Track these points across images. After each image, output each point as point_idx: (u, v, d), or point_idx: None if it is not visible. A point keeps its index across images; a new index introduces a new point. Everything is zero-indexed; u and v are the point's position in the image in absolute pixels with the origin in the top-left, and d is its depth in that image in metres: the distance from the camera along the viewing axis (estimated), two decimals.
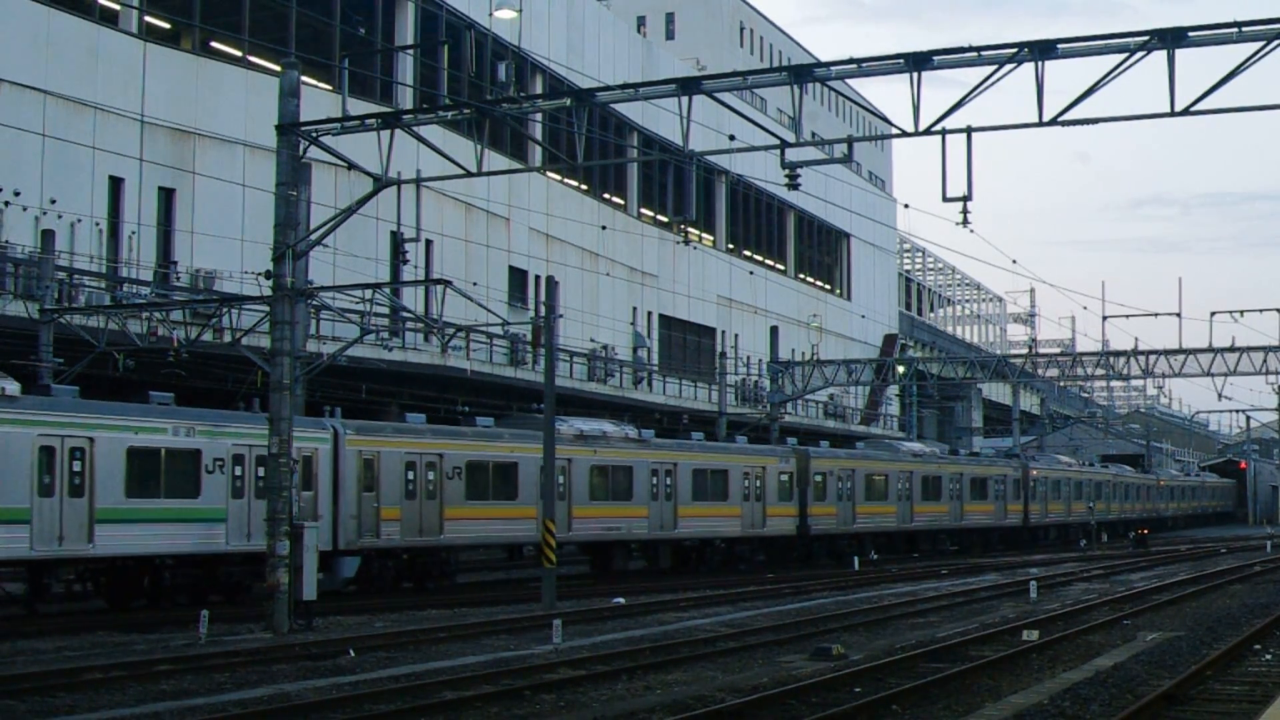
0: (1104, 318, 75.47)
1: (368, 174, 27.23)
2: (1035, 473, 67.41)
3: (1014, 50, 22.88)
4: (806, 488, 48.80)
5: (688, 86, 25.07)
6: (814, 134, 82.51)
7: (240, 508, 30.05)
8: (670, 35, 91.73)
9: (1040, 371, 69.67)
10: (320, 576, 27.97)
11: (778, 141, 25.68)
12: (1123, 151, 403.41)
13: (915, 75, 23.40)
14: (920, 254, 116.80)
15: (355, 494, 32.79)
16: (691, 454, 44.24)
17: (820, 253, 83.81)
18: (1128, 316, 64.37)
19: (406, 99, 46.51)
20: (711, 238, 70.45)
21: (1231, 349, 58.02)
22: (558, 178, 57.75)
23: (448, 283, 31.48)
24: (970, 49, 23.31)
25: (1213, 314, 55.64)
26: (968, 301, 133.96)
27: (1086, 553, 61.11)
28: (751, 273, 72.82)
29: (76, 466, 27.25)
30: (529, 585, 36.46)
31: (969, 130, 23.79)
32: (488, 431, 37.39)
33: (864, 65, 24.56)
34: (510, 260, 53.88)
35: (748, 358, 69.75)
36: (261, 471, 29.01)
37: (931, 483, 57.05)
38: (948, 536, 59.76)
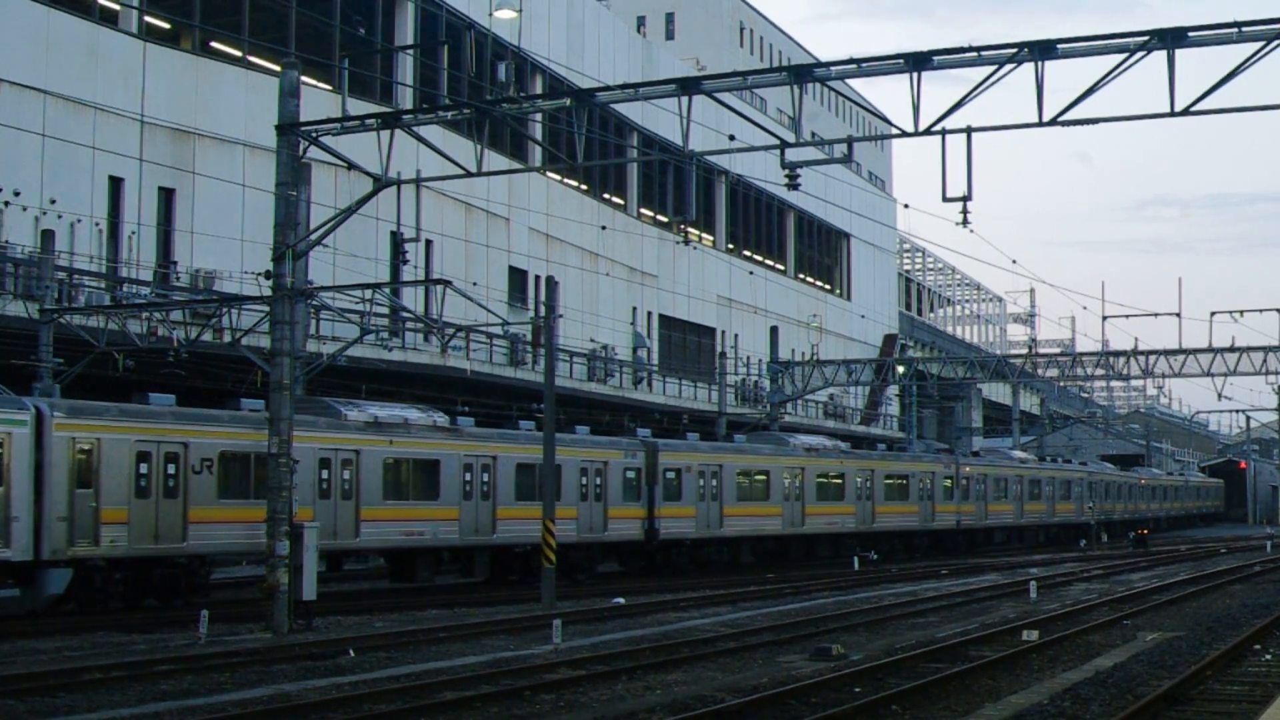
0: (1104, 318, 75.56)
1: (368, 174, 27.23)
2: (968, 470, 60.89)
3: (1014, 50, 22.88)
4: (655, 486, 42.13)
5: (688, 86, 25.07)
6: (814, 134, 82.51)
7: None
8: (670, 35, 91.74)
9: (1040, 372, 69.64)
10: (16, 593, 26.09)
11: (778, 141, 25.67)
12: (1124, 152, 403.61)
13: (915, 75, 23.40)
14: (920, 254, 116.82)
15: (66, 491, 27.32)
16: (515, 446, 37.79)
17: (820, 253, 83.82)
18: (1128, 317, 64.34)
19: (406, 99, 46.51)
20: (711, 238, 70.45)
21: (1231, 349, 58.02)
22: (558, 178, 57.75)
23: (448, 283, 31.47)
24: (970, 49, 23.31)
25: (1213, 314, 55.67)
26: (968, 301, 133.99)
27: (1086, 553, 61.11)
28: (751, 273, 72.83)
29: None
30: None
31: (969, 130, 23.78)
32: (248, 416, 31.09)
33: (864, 65, 24.56)
34: (510, 260, 53.89)
35: (748, 358, 69.76)
36: None
37: (832, 481, 50.49)
38: (857, 541, 52.85)
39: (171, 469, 29.28)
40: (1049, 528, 71.49)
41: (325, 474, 32.44)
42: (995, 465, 64.30)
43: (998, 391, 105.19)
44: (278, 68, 28.57)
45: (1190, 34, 22.23)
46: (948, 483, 58.59)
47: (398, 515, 34.37)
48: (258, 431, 29.65)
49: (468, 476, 36.13)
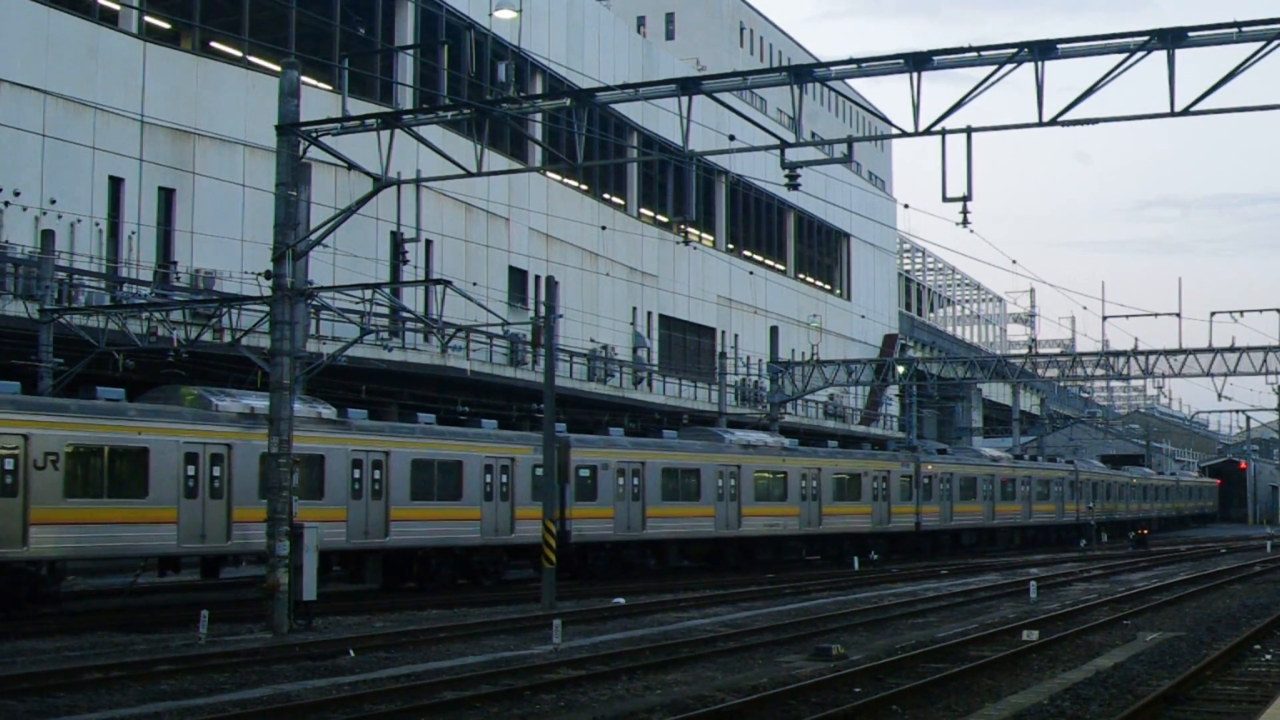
0: (1104, 318, 75.53)
1: (368, 174, 27.23)
2: (931, 468, 57.10)
3: (1014, 50, 22.88)
4: (566, 484, 39.13)
5: (688, 86, 25.07)
6: (814, 134, 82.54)
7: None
8: (670, 35, 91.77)
9: (1040, 372, 69.64)
10: None
11: (778, 141, 25.67)
12: (1124, 152, 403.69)
13: (915, 75, 23.40)
14: (920, 254, 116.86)
15: None
16: (410, 440, 35.17)
17: (820, 253, 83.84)
18: (1128, 317, 64.29)
19: (406, 99, 46.51)
20: (711, 238, 70.46)
21: (1231, 349, 58.03)
22: (558, 178, 57.76)
23: (448, 283, 31.45)
24: (970, 49, 23.30)
25: (1212, 314, 55.65)
26: (968, 301, 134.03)
27: (1086, 553, 61.11)
28: (751, 273, 72.84)
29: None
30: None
31: (969, 130, 23.77)
32: (101, 406, 28.71)
33: (864, 65, 24.55)
34: (510, 260, 53.89)
35: (748, 358, 69.75)
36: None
37: (773, 479, 47.29)
38: (802, 544, 50.58)
39: (10, 464, 26.30)
40: (1025, 530, 67.84)
41: (192, 470, 29.64)
42: (962, 463, 60.92)
43: (998, 391, 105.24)
44: (278, 68, 28.58)
45: (1190, 34, 22.23)
46: (905, 481, 54.93)
47: None
48: (112, 423, 28.00)
49: (356, 474, 33.29)
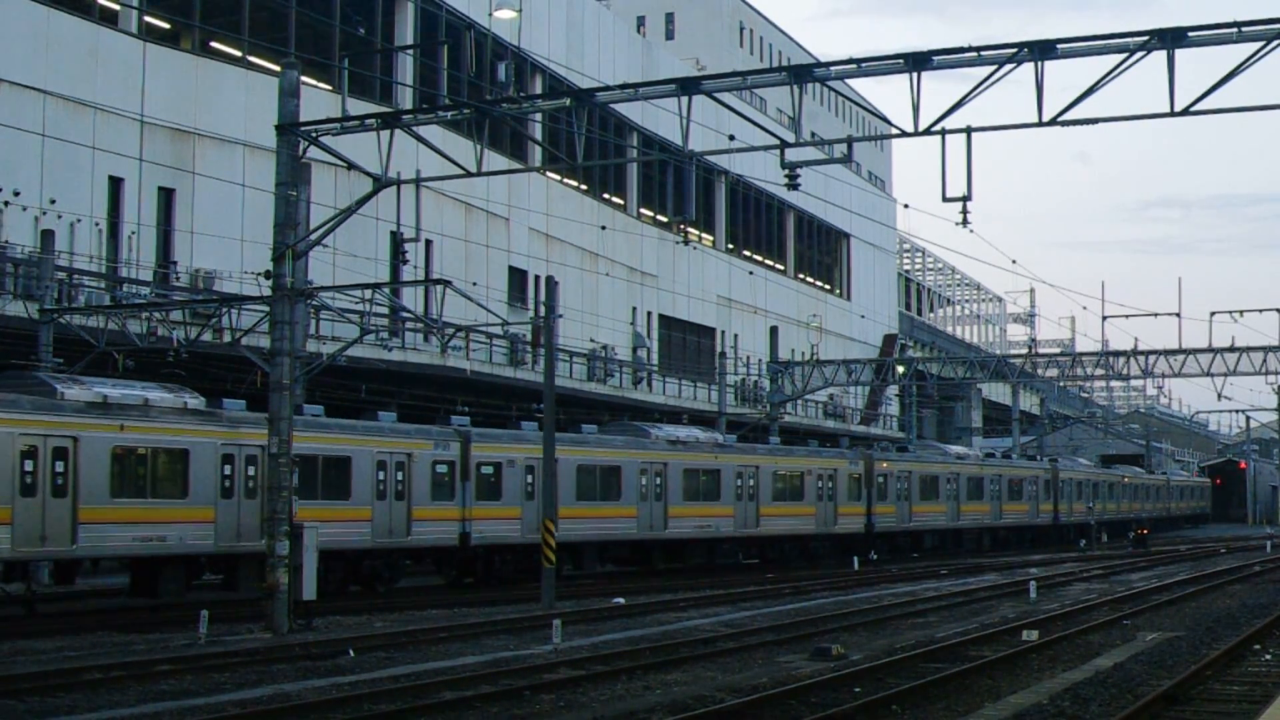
0: (1104, 318, 75.33)
1: (367, 174, 27.24)
2: (886, 466, 54.11)
3: (1014, 50, 22.89)
4: (467, 482, 36.44)
5: (687, 86, 25.07)
6: (814, 134, 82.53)
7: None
8: (670, 35, 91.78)
9: (1040, 371, 69.69)
10: None
11: (777, 141, 25.68)
12: (1125, 152, 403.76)
13: (915, 75, 23.41)
14: (920, 254, 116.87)
15: None
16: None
17: (820, 253, 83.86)
18: (1127, 317, 64.29)
19: (406, 99, 46.52)
20: (711, 238, 70.48)
21: (1231, 349, 58.07)
22: (557, 178, 57.78)
23: (447, 283, 31.48)
24: (970, 49, 23.32)
25: (1212, 314, 55.74)
26: (967, 301, 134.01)
27: (1086, 553, 61.13)
28: (751, 273, 72.86)
29: None
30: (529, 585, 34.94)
31: (969, 130, 23.79)
32: None
33: (864, 65, 24.56)
34: (510, 260, 53.91)
35: (747, 358, 69.78)
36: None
37: (704, 477, 44.28)
38: (737, 546, 47.96)
39: None
40: (995, 531, 64.28)
41: (30, 466, 26.78)
42: (921, 461, 57.63)
43: (998, 391, 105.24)
44: (278, 68, 28.58)
45: (1190, 34, 22.24)
46: (854, 480, 51.76)
47: (132, 516, 28.39)
48: None
49: (227, 470, 30.31)
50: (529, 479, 37.68)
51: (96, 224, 38.15)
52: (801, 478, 49.02)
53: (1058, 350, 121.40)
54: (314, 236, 27.72)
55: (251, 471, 30.62)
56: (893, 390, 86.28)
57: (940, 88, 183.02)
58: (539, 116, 40.81)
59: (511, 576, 38.01)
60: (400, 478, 34.45)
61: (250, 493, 30.53)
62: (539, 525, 36.30)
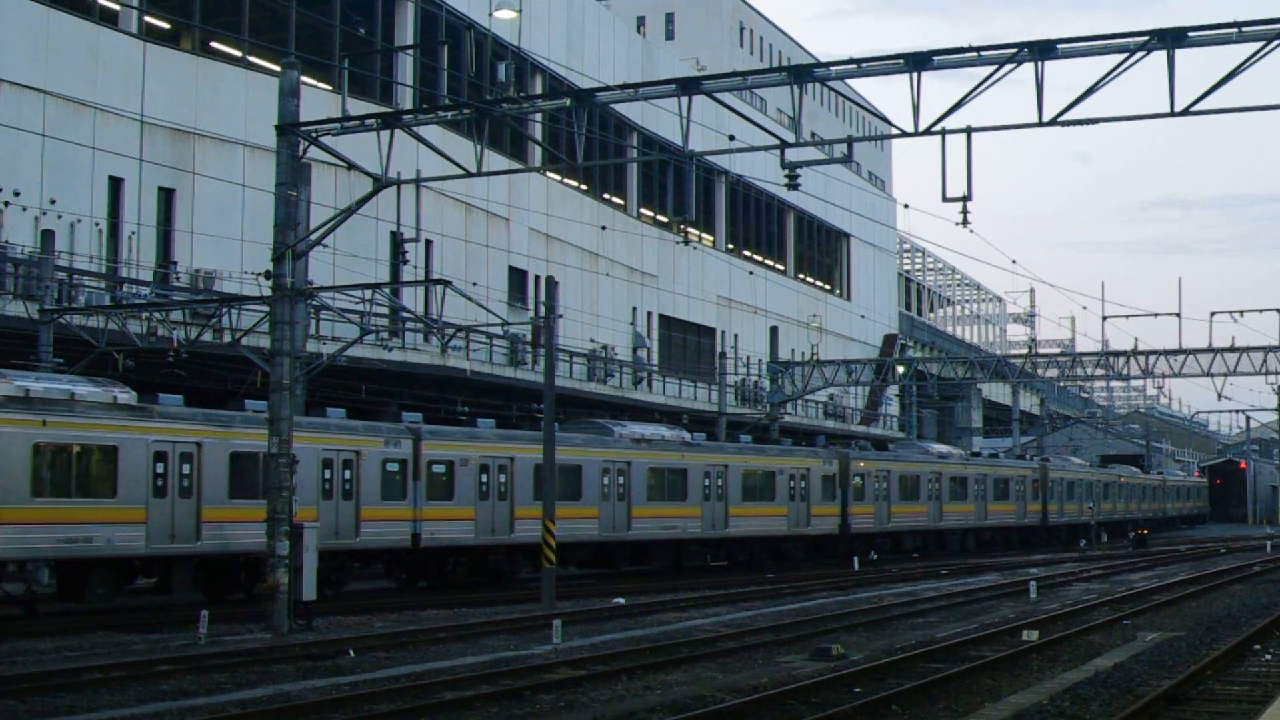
0: (1104, 318, 75.58)
1: (367, 174, 27.24)
2: (863, 465, 52.91)
3: (1014, 50, 22.89)
4: (418, 481, 35.15)
5: (687, 86, 25.07)
6: (814, 134, 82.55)
7: None
8: (670, 35, 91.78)
9: (1040, 372, 69.64)
10: None
11: (777, 141, 25.68)
12: (1125, 152, 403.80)
13: (915, 75, 23.40)
14: (920, 254, 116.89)
15: None
16: (226, 431, 30.40)
17: (820, 253, 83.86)
18: (1127, 317, 64.40)
19: (406, 99, 46.53)
20: (711, 238, 70.48)
21: (1231, 349, 58.06)
22: (557, 178, 57.78)
23: (447, 283, 31.47)
24: (970, 49, 23.31)
25: (1212, 314, 55.72)
26: (967, 301, 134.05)
27: (1086, 553, 61.12)
28: (751, 273, 72.87)
29: None
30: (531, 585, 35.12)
31: (969, 130, 23.78)
32: None
33: (864, 65, 24.56)
34: (510, 260, 53.90)
35: (748, 358, 69.78)
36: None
37: (670, 477, 43.08)
38: (705, 548, 46.36)
39: None
40: (980, 532, 62.50)
41: None
42: (900, 460, 56.13)
43: (998, 391, 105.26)
44: (278, 68, 28.58)
45: (1190, 34, 22.24)
46: (828, 480, 50.31)
47: (58, 517, 27.11)
48: None
49: (160, 468, 28.92)
50: (483, 478, 36.58)
51: (96, 224, 38.15)
52: (773, 477, 47.56)
53: (1058, 350, 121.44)
54: (314, 236, 27.72)
55: (186, 469, 29.29)
56: (893, 390, 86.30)
57: (940, 88, 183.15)
58: (539, 116, 40.82)
59: (464, 580, 36.99)
60: (348, 477, 33.17)
61: (184, 492, 29.21)
62: (492, 526, 36.70)
